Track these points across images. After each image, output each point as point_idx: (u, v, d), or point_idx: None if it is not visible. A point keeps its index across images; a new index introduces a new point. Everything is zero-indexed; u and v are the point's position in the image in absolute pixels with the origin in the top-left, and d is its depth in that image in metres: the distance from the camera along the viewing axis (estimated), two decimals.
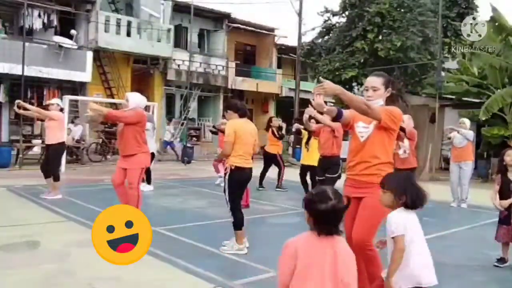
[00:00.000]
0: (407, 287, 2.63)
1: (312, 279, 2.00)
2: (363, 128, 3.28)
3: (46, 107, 8.40)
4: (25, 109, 8.05)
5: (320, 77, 3.22)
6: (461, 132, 8.22)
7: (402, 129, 7.30)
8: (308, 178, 8.39)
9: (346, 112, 3.37)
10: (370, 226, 3.20)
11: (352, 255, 2.11)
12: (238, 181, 4.77)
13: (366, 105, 3.08)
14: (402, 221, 2.65)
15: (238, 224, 4.76)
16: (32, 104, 16.13)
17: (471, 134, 8.40)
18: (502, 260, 4.72)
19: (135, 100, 5.84)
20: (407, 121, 7.68)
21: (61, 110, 8.13)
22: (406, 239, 2.61)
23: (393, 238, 2.63)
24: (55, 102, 8.06)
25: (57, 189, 7.75)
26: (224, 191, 4.78)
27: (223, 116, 5.58)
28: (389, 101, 3.61)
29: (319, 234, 2.05)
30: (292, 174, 13.35)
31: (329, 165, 6.82)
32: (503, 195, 4.66)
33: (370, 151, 3.21)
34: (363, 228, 3.19)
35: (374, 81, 3.32)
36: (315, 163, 7.33)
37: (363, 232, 3.19)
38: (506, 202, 4.59)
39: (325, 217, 2.04)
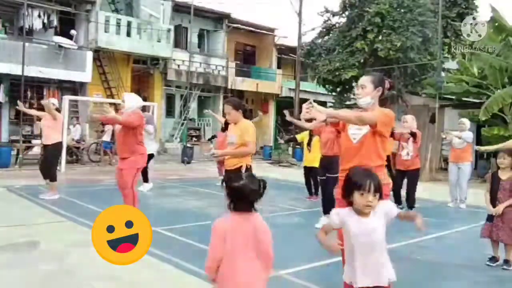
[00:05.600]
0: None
1: (239, 255, 2.27)
2: (356, 130, 3.32)
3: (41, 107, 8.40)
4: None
5: (310, 103, 3.37)
6: (462, 138, 8.19)
7: (413, 134, 7.32)
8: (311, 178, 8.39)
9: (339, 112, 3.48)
10: None
11: (266, 228, 2.38)
12: None
13: (359, 118, 3.19)
14: None
15: None
16: (32, 104, 16.20)
17: (470, 136, 8.37)
18: (493, 259, 4.73)
19: (132, 101, 5.87)
20: (411, 122, 7.64)
21: (58, 110, 8.10)
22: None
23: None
24: (51, 102, 8.03)
25: (54, 189, 7.73)
26: None
27: (224, 115, 5.54)
28: (389, 101, 3.67)
29: (239, 212, 2.31)
30: (292, 175, 13.38)
31: (331, 164, 6.81)
32: (492, 192, 4.72)
33: (366, 155, 3.25)
34: None
35: (363, 79, 3.45)
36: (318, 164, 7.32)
37: None
38: (500, 207, 4.58)
39: (239, 194, 2.30)
